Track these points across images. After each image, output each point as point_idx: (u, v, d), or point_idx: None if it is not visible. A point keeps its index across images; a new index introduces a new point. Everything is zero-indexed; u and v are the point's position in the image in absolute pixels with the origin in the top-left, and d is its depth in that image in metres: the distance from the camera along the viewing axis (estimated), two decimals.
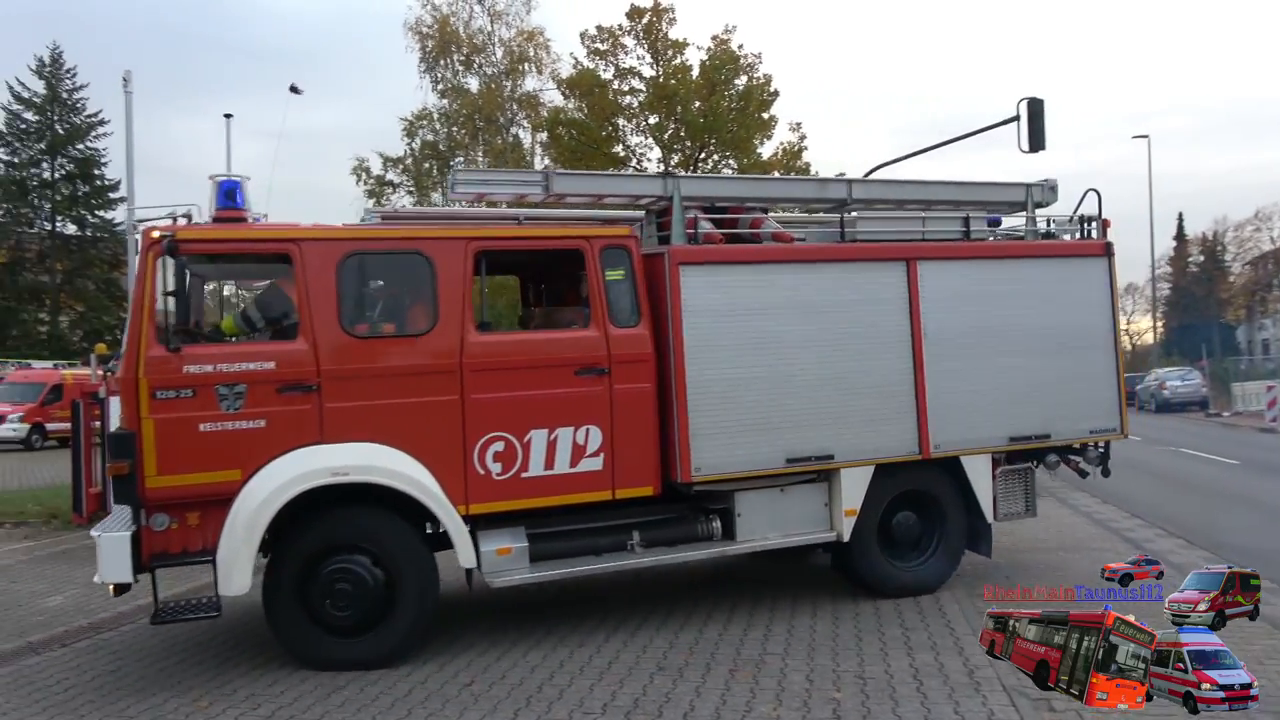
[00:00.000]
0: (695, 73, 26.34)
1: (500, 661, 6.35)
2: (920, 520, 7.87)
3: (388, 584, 6.38)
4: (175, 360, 6.10)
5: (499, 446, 6.68)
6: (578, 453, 6.84)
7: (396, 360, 6.58)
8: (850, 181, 8.68)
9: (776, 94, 26.63)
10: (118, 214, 32.95)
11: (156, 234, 6.19)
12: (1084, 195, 8.81)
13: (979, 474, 7.90)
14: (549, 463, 6.77)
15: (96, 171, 33.62)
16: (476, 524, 6.68)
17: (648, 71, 27.08)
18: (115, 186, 32.25)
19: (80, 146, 33.67)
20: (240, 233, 6.57)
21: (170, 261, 6.18)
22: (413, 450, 6.47)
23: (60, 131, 32.84)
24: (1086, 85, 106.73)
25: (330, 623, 6.29)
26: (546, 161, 32.68)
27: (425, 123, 31.34)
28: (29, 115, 33.02)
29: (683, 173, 8.25)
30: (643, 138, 27.71)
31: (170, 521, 6.14)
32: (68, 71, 33.61)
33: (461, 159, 31.02)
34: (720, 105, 26.03)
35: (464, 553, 6.51)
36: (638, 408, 6.97)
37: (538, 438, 6.74)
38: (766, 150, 27.17)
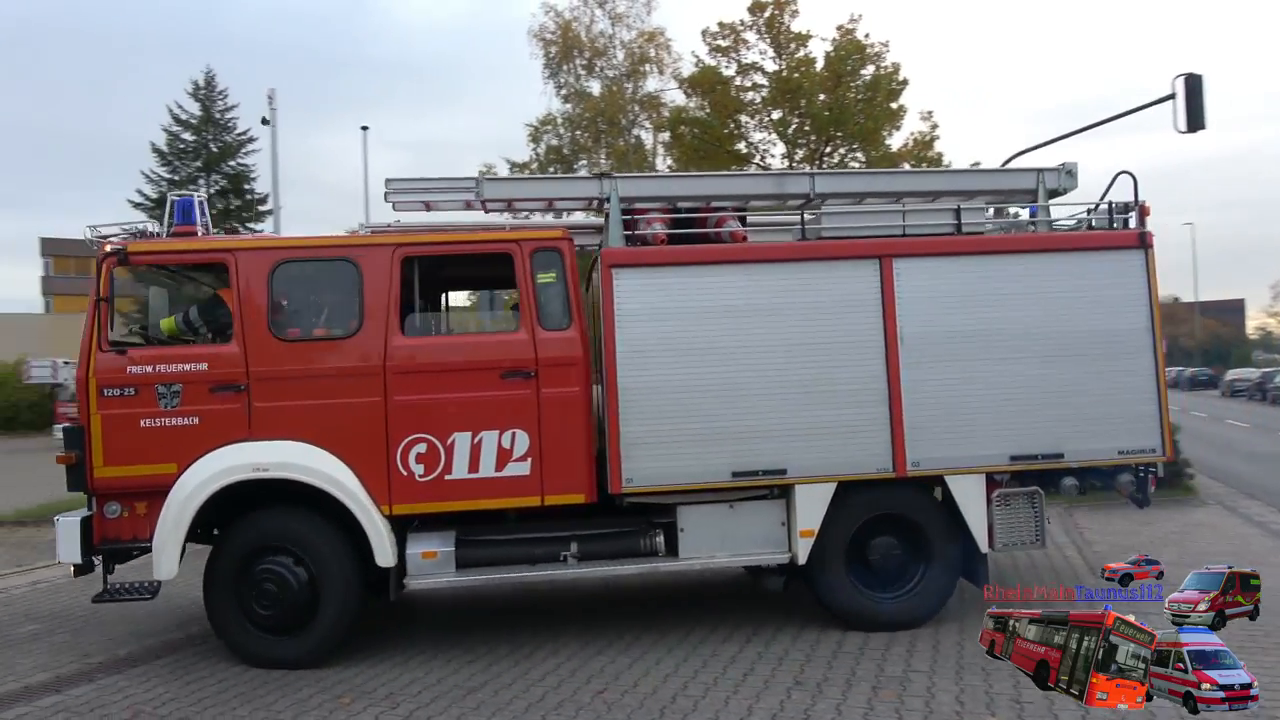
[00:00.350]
0: (820, 65, 25.68)
1: (632, 669, 6.25)
2: (903, 547, 6.98)
3: (311, 585, 6.52)
4: (121, 361, 6.57)
5: (421, 448, 6.66)
6: (503, 456, 6.69)
7: (322, 362, 6.75)
8: (813, 174, 7.89)
9: (905, 83, 25.71)
10: (267, 225, 34.81)
11: (109, 247, 6.65)
12: (1113, 180, 7.55)
13: (969, 497, 6.89)
14: (473, 466, 6.66)
15: (246, 186, 35.84)
16: (408, 526, 6.77)
17: (770, 66, 26.62)
18: (264, 200, 34.21)
19: (232, 164, 35.87)
20: (183, 245, 6.94)
21: (122, 271, 6.68)
22: (337, 450, 6.60)
23: (214, 150, 35.16)
24: (1243, 60, 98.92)
25: (256, 620, 6.49)
26: (669, 162, 32.70)
27: (549, 127, 31.84)
28: (187, 136, 35.59)
29: (619, 174, 7.65)
30: (766, 133, 27.27)
31: (121, 510, 6.58)
32: (220, 93, 36.04)
33: (584, 162, 31.35)
34: (846, 97, 25.31)
35: (380, 552, 6.50)
36: (567, 412, 6.74)
37: (461, 440, 6.66)
38: (896, 141, 26.28)
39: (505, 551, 6.85)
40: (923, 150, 26.12)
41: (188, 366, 6.66)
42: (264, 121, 9.36)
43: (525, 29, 35.82)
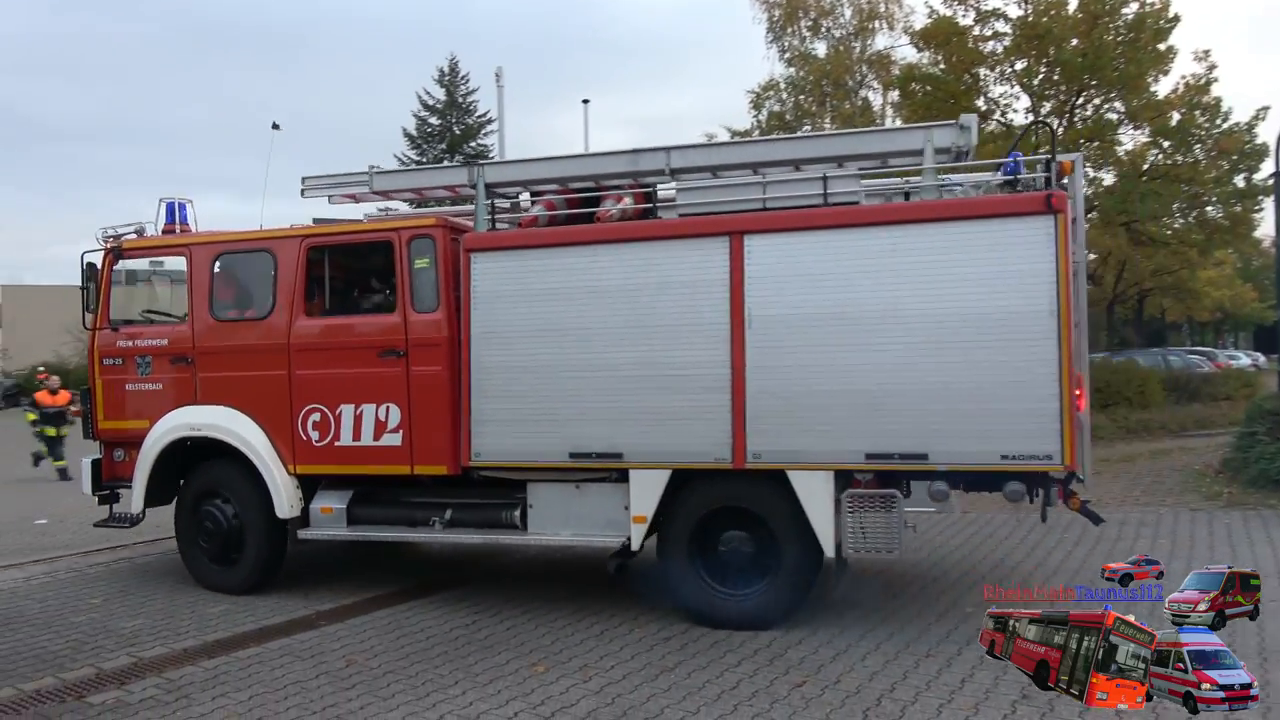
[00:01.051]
0: (1072, 6, 23.19)
1: (835, 662, 5.82)
2: (756, 544, 6.53)
3: (240, 525, 7.76)
4: (114, 337, 8.21)
5: (316, 417, 7.53)
6: (379, 428, 7.33)
7: (244, 340, 7.81)
8: (669, 149, 7.17)
9: (1176, 20, 22.62)
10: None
11: (110, 243, 8.22)
12: (1025, 129, 6.65)
13: (814, 495, 6.28)
14: (356, 434, 7.40)
15: None
16: (318, 485, 7.72)
17: (1014, 12, 24.37)
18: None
19: (473, 144, 37.94)
20: (160, 240, 8.32)
21: (119, 261, 8.25)
22: (256, 416, 7.71)
23: (457, 132, 37.38)
24: None
25: (204, 551, 7.90)
26: (897, 121, 30.98)
27: (772, 93, 31.06)
28: (433, 120, 38.11)
29: (484, 161, 7.63)
30: (1008, 86, 25.06)
31: (124, 455, 8.30)
32: (463, 78, 38.31)
33: (809, 127, 30.32)
34: (1103, 40, 22.67)
35: (278, 505, 7.55)
36: (432, 389, 7.18)
37: (346, 411, 7.42)
38: (1163, 87, 23.30)
39: (387, 513, 7.62)
40: (1196, 95, 22.98)
41: (156, 341, 8.16)
42: (274, 126, 9.96)
43: None
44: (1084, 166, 6.60)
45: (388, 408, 7.30)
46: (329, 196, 8.24)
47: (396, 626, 6.76)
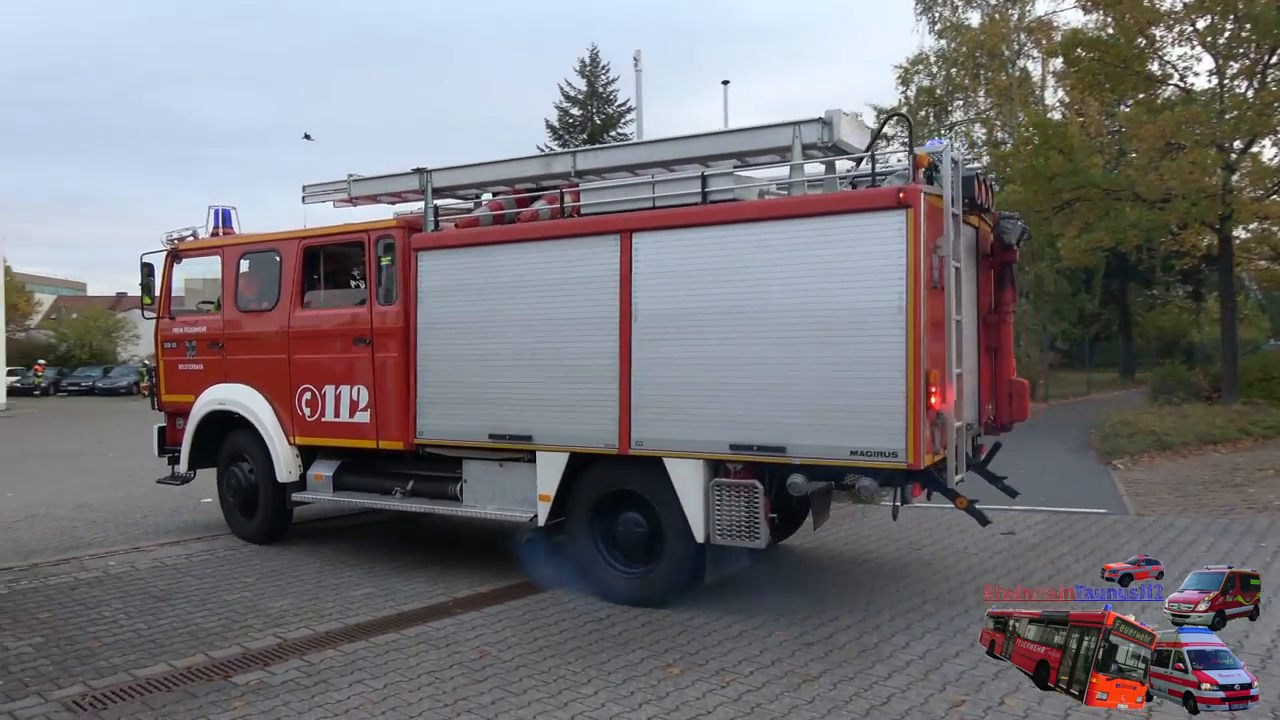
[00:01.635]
0: None
1: (998, 679, 5.27)
2: (647, 526, 6.88)
3: (255, 484, 9.10)
4: (171, 324, 9.80)
5: (308, 395, 8.62)
6: (353, 407, 8.31)
7: (258, 328, 9.03)
8: (575, 153, 7.86)
9: None
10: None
11: (166, 244, 9.77)
12: (882, 124, 6.96)
13: (686, 483, 6.54)
14: (337, 411, 8.42)
15: None
16: (316, 455, 8.82)
17: None
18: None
19: (613, 134, 38.08)
20: (205, 243, 9.69)
21: (175, 261, 9.79)
22: (267, 393, 8.94)
23: (598, 122, 37.61)
24: None
25: (234, 504, 9.38)
26: (1060, 94, 29.03)
27: (921, 68, 29.71)
28: (574, 111, 38.51)
29: (431, 166, 8.23)
30: (1188, 47, 22.88)
31: (181, 423, 9.69)
32: (603, 68, 38.49)
33: (960, 101, 28.85)
34: None
35: (279, 470, 8.77)
36: (391, 373, 8.04)
37: (329, 391, 8.47)
38: None
39: (364, 481, 8.56)
40: None
41: (199, 329, 9.57)
42: (306, 137, 10.75)
43: None
44: (962, 155, 6.12)
45: (359, 389, 8.27)
46: (333, 202, 9.23)
47: (531, 618, 6.66)
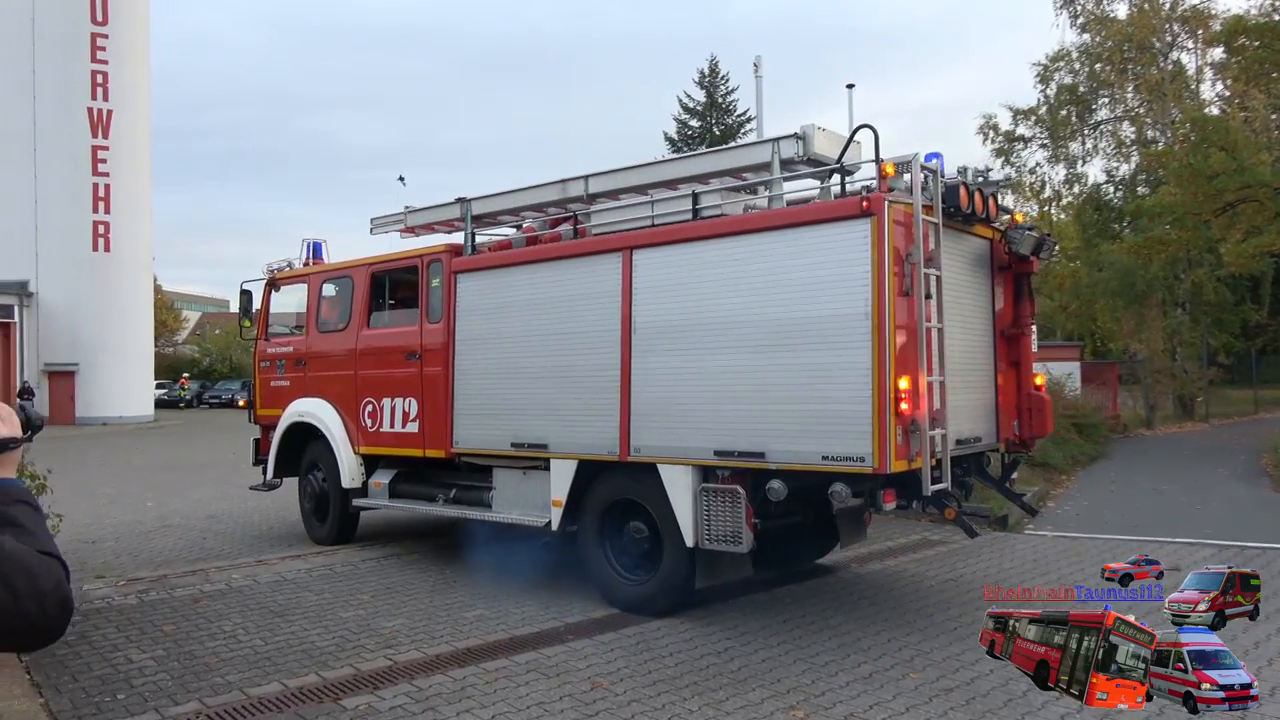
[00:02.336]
0: None
1: None
2: (649, 534, 7.14)
3: (325, 490, 9.85)
4: (265, 345, 10.86)
5: (370, 407, 9.33)
6: (405, 417, 8.95)
7: (333, 347, 9.88)
8: (586, 177, 8.16)
9: None
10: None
11: (266, 274, 10.76)
12: (851, 136, 6.55)
13: (677, 488, 6.83)
14: (392, 422, 9.07)
15: None
16: (377, 463, 9.46)
17: None
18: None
19: (732, 144, 37.85)
20: (297, 272, 10.60)
21: (272, 289, 10.78)
22: (339, 405, 9.69)
23: (716, 133, 37.38)
24: None
25: (309, 509, 10.24)
26: (1219, 88, 27.07)
27: (1062, 64, 28.19)
28: (693, 123, 38.46)
29: (470, 196, 8.80)
30: None
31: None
32: (722, 78, 38.33)
33: (1106, 99, 27.23)
34: None
35: (344, 476, 9.49)
36: (437, 387, 8.60)
37: (387, 403, 9.13)
38: None
39: (414, 489, 9.11)
40: None
41: (285, 349, 10.58)
42: (400, 180, 12.12)
43: None
44: (927, 166, 6.42)
45: (410, 401, 8.89)
46: (399, 232, 9.82)
47: (645, 647, 6.42)
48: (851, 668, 5.95)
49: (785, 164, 6.95)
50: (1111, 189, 28.81)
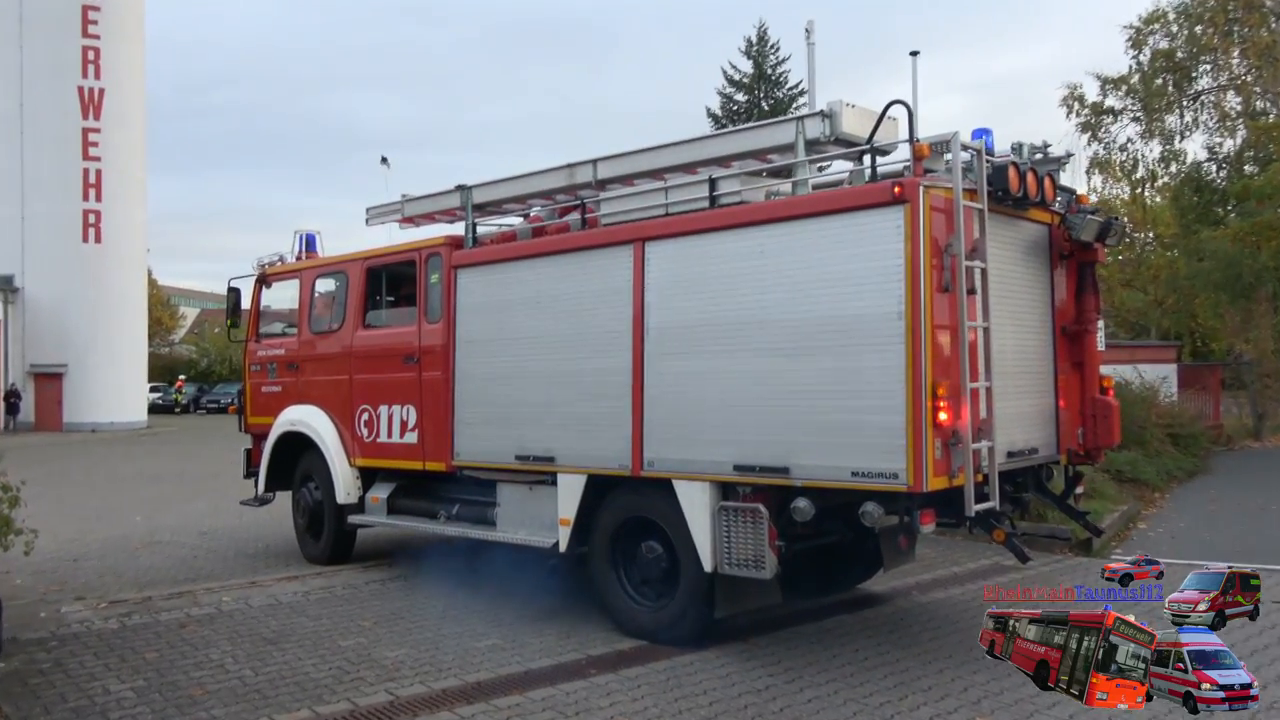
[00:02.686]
0: None
1: None
2: (666, 556, 7.08)
3: (320, 505, 9.96)
4: (256, 347, 10.97)
5: (366, 415, 9.38)
6: (403, 427, 8.98)
7: (326, 349, 9.93)
8: (595, 161, 8.08)
9: None
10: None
11: (255, 269, 10.88)
12: (884, 111, 6.37)
13: (695, 507, 6.76)
14: (389, 432, 9.11)
15: None
16: (375, 476, 9.52)
17: None
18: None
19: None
20: (287, 267, 10.67)
21: (262, 285, 10.91)
22: (333, 413, 9.77)
23: (765, 108, 37.20)
24: None
25: (302, 525, 10.32)
26: None
27: (1157, 26, 27.65)
28: (739, 96, 38.40)
29: (473, 184, 8.77)
30: None
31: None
32: (772, 48, 38.12)
33: (1207, 65, 26.68)
34: None
35: (339, 491, 9.56)
36: (437, 393, 8.61)
37: (384, 411, 9.16)
38: None
39: (414, 504, 9.20)
40: None
41: (277, 351, 10.68)
42: (383, 161, 11.48)
43: None
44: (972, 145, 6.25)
45: (408, 409, 8.92)
46: (397, 223, 9.91)
47: (676, 684, 6.35)
48: (909, 710, 5.83)
49: (811, 145, 6.81)
50: (1214, 167, 28.29)
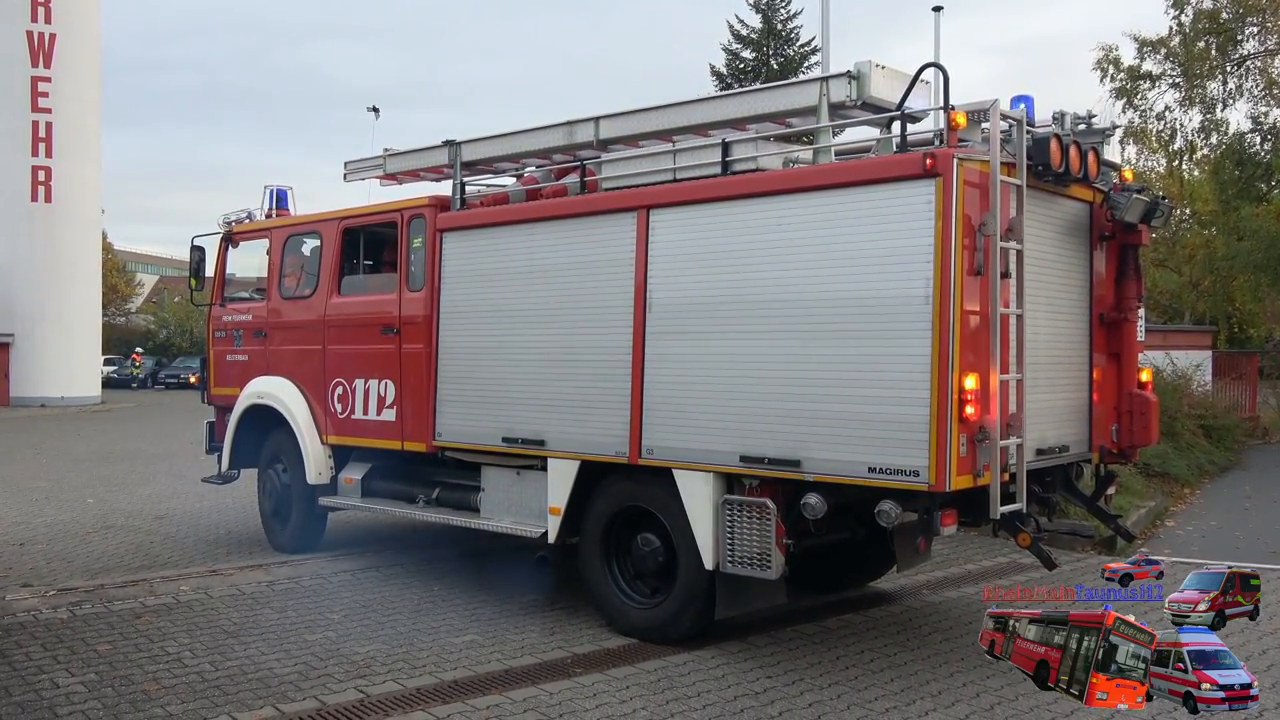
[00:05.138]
0: None
1: None
2: (663, 550, 7.07)
3: (288, 487, 9.94)
4: (221, 311, 10.87)
5: (340, 390, 9.33)
6: (380, 403, 8.93)
7: (298, 316, 9.85)
8: (597, 119, 8.01)
9: None
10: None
11: (222, 227, 10.76)
12: (916, 74, 6.25)
13: (696, 499, 6.73)
14: (365, 408, 9.06)
15: None
16: (349, 456, 9.48)
17: None
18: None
19: (792, 79, 37.54)
20: (256, 225, 10.61)
21: (229, 245, 10.76)
22: (304, 386, 9.70)
23: (774, 66, 37.08)
24: None
25: (269, 509, 10.29)
26: None
27: None
28: (747, 54, 38.25)
29: (462, 140, 8.64)
30: None
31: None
32: (783, 2, 37.79)
33: (1255, 28, 26.59)
34: None
35: (309, 471, 9.48)
36: (418, 367, 8.55)
37: (359, 385, 9.12)
38: None
39: (391, 487, 9.21)
40: None
41: (244, 317, 10.57)
42: (372, 110, 11.66)
43: None
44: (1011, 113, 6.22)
45: (386, 383, 8.88)
46: (379, 180, 9.89)
47: (667, 685, 6.38)
48: (917, 716, 5.85)
49: (835, 109, 6.74)
50: (1258, 139, 28.20)
